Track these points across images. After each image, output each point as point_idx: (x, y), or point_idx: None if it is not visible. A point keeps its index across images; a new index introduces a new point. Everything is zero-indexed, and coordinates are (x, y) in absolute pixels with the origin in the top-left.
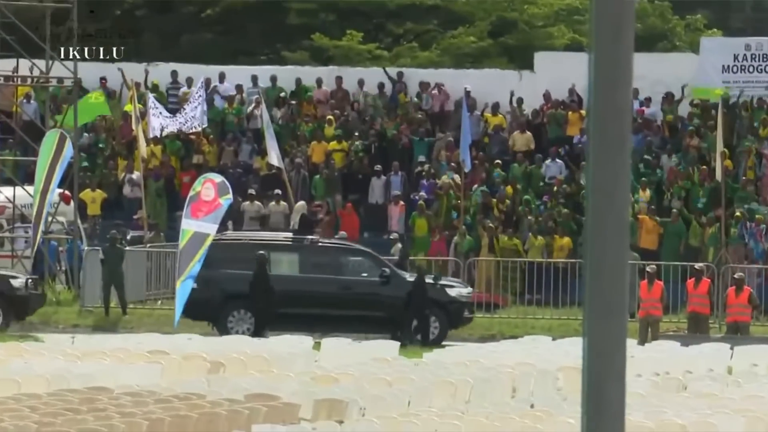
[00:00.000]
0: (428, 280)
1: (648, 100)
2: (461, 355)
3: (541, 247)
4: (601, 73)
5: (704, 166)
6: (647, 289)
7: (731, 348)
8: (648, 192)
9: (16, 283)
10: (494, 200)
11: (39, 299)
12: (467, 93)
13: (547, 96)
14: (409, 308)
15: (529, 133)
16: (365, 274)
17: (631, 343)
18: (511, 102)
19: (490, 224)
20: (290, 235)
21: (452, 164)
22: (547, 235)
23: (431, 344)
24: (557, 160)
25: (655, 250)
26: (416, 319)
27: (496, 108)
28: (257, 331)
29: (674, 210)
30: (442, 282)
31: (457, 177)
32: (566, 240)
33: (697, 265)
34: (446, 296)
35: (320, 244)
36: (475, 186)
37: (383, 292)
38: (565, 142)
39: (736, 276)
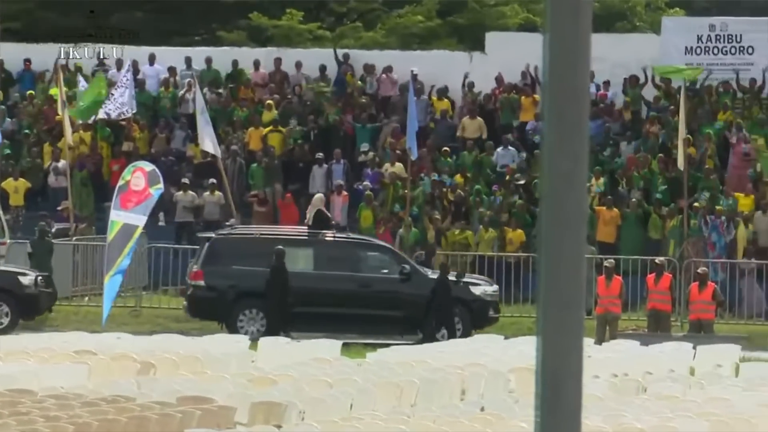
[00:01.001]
0: (451, 277)
1: (607, 84)
2: (407, 355)
3: (492, 240)
4: (557, 55)
5: (664, 154)
6: (605, 284)
7: (694, 347)
8: (602, 181)
9: (26, 280)
10: (443, 190)
11: (50, 297)
12: (414, 76)
13: (499, 79)
14: (433, 308)
15: (480, 118)
16: (385, 271)
17: (588, 342)
18: (462, 86)
19: (437, 216)
20: (304, 229)
21: (397, 152)
22: (498, 227)
23: None
24: (510, 147)
25: (613, 244)
26: (440, 318)
27: (444, 92)
28: (270, 332)
29: (633, 200)
30: (466, 279)
31: (399, 165)
32: (519, 232)
33: (658, 260)
34: (470, 294)
35: (336, 239)
36: (422, 175)
37: (404, 291)
38: (518, 129)
39: (699, 271)
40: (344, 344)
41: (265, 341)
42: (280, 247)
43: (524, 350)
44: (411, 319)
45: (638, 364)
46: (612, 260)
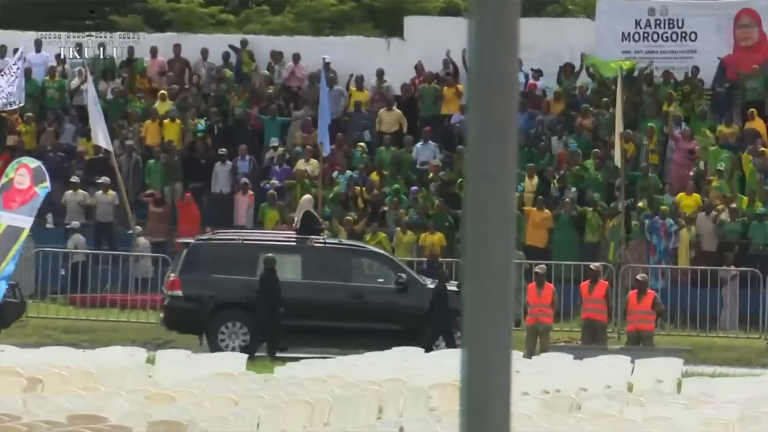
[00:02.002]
0: (452, 287)
1: (537, 73)
2: (319, 370)
3: (411, 244)
4: (482, 41)
5: (600, 150)
6: (535, 292)
7: (632, 361)
8: (535, 180)
9: None
10: (357, 189)
11: (17, 308)
12: (326, 64)
13: (419, 68)
14: (431, 319)
15: (397, 110)
16: (380, 281)
17: (517, 356)
18: (378, 75)
19: (350, 217)
20: (291, 234)
21: (308, 147)
22: (417, 229)
23: None
24: (430, 142)
25: (544, 248)
26: (438, 331)
27: (359, 82)
28: (253, 347)
29: (566, 200)
30: None
31: (313, 162)
32: (439, 236)
33: (593, 265)
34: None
35: (327, 245)
36: (335, 173)
37: (400, 302)
38: (439, 122)
39: (638, 277)
40: (250, 358)
41: (163, 354)
42: (270, 255)
43: (447, 364)
44: (408, 332)
45: (572, 379)
46: (543, 266)
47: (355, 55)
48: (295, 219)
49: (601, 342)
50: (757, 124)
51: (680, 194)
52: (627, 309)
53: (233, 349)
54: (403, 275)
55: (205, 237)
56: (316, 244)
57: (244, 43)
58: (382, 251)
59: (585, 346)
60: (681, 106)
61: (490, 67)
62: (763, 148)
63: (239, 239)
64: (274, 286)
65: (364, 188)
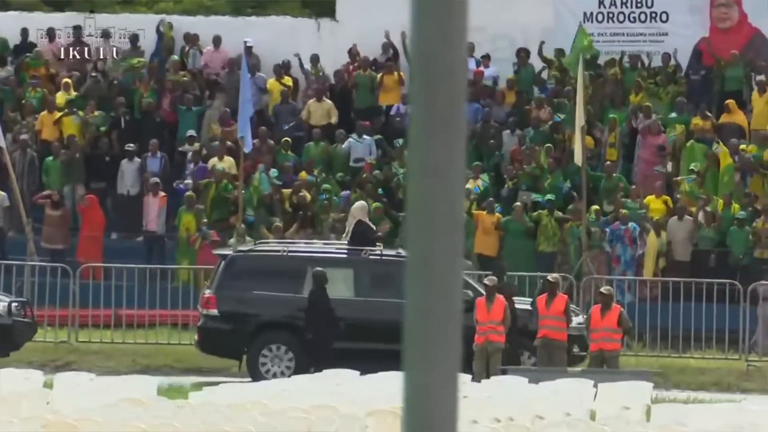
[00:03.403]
0: (521, 305)
1: (487, 59)
2: (239, 395)
3: None
4: (427, 22)
5: (558, 146)
6: (485, 307)
7: (595, 385)
8: (482, 180)
9: None
10: (284, 190)
11: (28, 329)
12: (248, 49)
13: (353, 53)
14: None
15: (329, 101)
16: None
17: (465, 379)
18: (313, 61)
19: (278, 222)
20: (342, 245)
21: (227, 143)
22: None
23: None
24: (366, 137)
25: (495, 257)
26: (507, 352)
27: (286, 68)
28: (300, 372)
29: (518, 204)
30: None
31: (230, 159)
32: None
33: (551, 277)
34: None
35: (383, 257)
36: (258, 171)
37: (466, 321)
38: (377, 114)
39: (602, 290)
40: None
41: (62, 377)
42: (320, 269)
43: (386, 388)
44: (471, 356)
45: (527, 405)
46: (493, 277)
47: (281, 38)
48: (347, 229)
49: (560, 363)
50: (737, 116)
51: (649, 196)
52: (589, 326)
53: (275, 376)
54: (470, 292)
55: (245, 248)
56: (370, 257)
57: (166, 24)
58: None
59: (542, 368)
60: (650, 95)
61: (436, 51)
62: (743, 145)
63: (283, 251)
64: (325, 305)
65: (290, 189)
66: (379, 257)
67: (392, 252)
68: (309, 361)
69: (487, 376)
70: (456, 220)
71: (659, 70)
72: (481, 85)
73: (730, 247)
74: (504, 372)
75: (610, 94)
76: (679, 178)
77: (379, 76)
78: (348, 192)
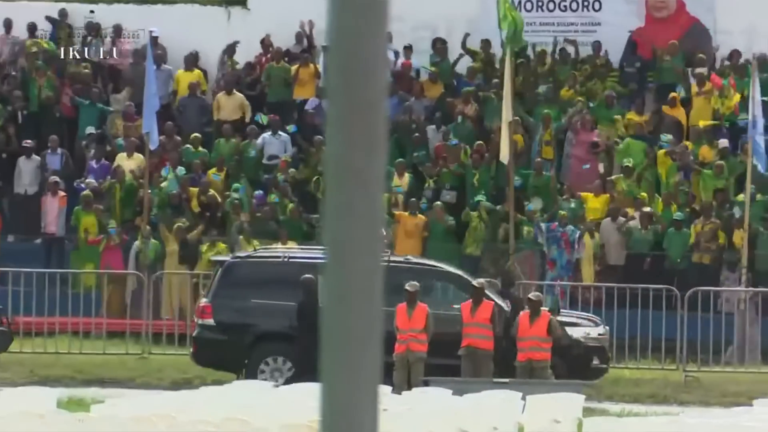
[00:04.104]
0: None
1: (408, 50)
2: (145, 407)
3: None
4: (344, 11)
5: (485, 143)
6: (406, 314)
7: (523, 397)
8: (406, 178)
9: None
10: (192, 189)
11: (4, 338)
12: (154, 39)
13: (266, 43)
14: (505, 353)
15: (239, 94)
16: (456, 306)
17: (385, 390)
18: (229, 53)
19: (182, 224)
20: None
21: (132, 139)
22: (265, 238)
23: None
24: (281, 133)
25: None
26: (506, 366)
27: (194, 60)
28: (295, 381)
29: (439, 203)
30: (562, 317)
31: (137, 156)
32: (291, 245)
33: (476, 282)
34: (566, 338)
35: (390, 263)
36: (165, 170)
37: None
38: (292, 108)
39: (531, 296)
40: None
41: None
42: (309, 275)
43: (300, 400)
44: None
45: (450, 418)
46: (416, 282)
47: (189, 27)
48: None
49: (486, 374)
50: (676, 111)
51: (587, 194)
52: (517, 334)
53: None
54: (504, 305)
55: (243, 254)
56: None
57: (62, 13)
58: (457, 271)
59: (466, 378)
60: (582, 89)
61: (354, 42)
62: (686, 142)
63: (284, 256)
64: (314, 314)
65: (198, 188)
66: (386, 263)
67: (400, 258)
68: (300, 373)
69: (409, 388)
70: (376, 222)
71: (591, 61)
72: (402, 78)
73: (667, 250)
74: (426, 383)
75: (539, 88)
76: (614, 177)
77: (293, 68)
78: (261, 192)
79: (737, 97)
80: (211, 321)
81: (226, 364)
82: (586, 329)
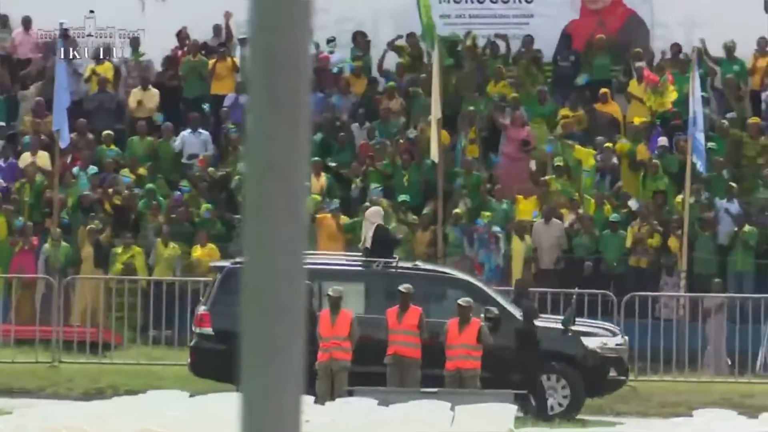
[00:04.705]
0: (545, 323)
1: (331, 43)
2: (55, 418)
3: (174, 260)
4: (266, 2)
5: (411, 141)
6: (329, 321)
7: (452, 408)
8: (324, 179)
9: None
10: (104, 190)
11: None
12: (64, 31)
13: (182, 36)
14: (516, 365)
15: (155, 90)
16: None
17: (308, 401)
18: (134, 45)
19: (95, 225)
20: (354, 255)
21: (42, 137)
22: (182, 241)
23: (552, 418)
24: (200, 131)
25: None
26: (523, 380)
27: (107, 53)
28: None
29: (367, 205)
30: (578, 327)
31: (44, 155)
32: (209, 248)
33: (403, 287)
34: (580, 348)
35: (399, 270)
36: (76, 169)
37: (490, 342)
38: (210, 105)
39: (460, 302)
40: None
41: None
42: (306, 282)
43: (217, 411)
44: (497, 380)
45: (375, 429)
46: (339, 288)
47: (101, 18)
48: (363, 236)
49: (413, 383)
50: (611, 107)
51: (517, 196)
52: (446, 342)
53: None
54: (494, 309)
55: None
56: (385, 270)
57: None
58: (469, 278)
59: (392, 388)
60: (512, 85)
61: (276, 35)
62: (623, 140)
63: None
64: (309, 322)
65: (111, 189)
66: (393, 270)
67: (408, 264)
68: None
69: (332, 398)
70: (299, 225)
71: (522, 56)
72: (324, 73)
73: (603, 253)
74: (350, 393)
75: (469, 84)
76: (547, 177)
77: (210, 62)
78: (180, 193)
79: (674, 95)
80: (209, 330)
81: (225, 375)
82: (602, 339)
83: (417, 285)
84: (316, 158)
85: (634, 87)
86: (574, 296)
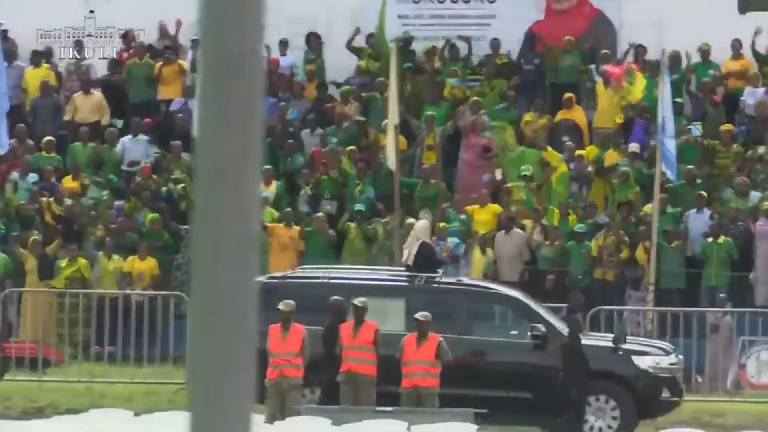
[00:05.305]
0: (593, 341)
1: (284, 46)
2: None
3: (118, 273)
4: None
5: (366, 148)
6: (280, 336)
7: (408, 428)
8: (274, 186)
9: None
10: (45, 199)
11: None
12: (3, 33)
13: (128, 38)
14: (560, 383)
15: (98, 93)
16: (515, 332)
17: (258, 420)
18: (77, 47)
19: (36, 236)
20: (397, 271)
21: None
22: (126, 253)
23: None
24: (142, 136)
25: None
26: (565, 399)
27: (47, 55)
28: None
29: (320, 215)
30: (630, 345)
31: None
32: (152, 262)
33: (358, 301)
34: (631, 367)
35: (442, 285)
36: (15, 175)
37: (535, 361)
38: (156, 109)
39: (418, 317)
40: None
41: None
42: (338, 297)
43: (163, 431)
44: (545, 402)
45: None
46: (291, 301)
47: (42, 20)
48: (405, 252)
49: (368, 401)
50: (575, 113)
51: (473, 206)
52: (401, 358)
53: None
54: (541, 326)
55: (280, 274)
56: (429, 285)
57: None
58: (515, 294)
59: (345, 406)
60: (475, 89)
61: (226, 36)
62: (590, 146)
63: (325, 277)
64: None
65: (52, 198)
66: (436, 285)
67: (452, 280)
68: (327, 402)
69: (282, 417)
70: (250, 235)
71: (485, 59)
72: (277, 77)
73: (568, 266)
74: (302, 412)
75: (428, 88)
76: (510, 184)
77: (157, 65)
78: (121, 201)
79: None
80: None
81: (257, 396)
82: (655, 358)
83: (458, 301)
84: (269, 165)
85: (600, 91)
86: (624, 313)
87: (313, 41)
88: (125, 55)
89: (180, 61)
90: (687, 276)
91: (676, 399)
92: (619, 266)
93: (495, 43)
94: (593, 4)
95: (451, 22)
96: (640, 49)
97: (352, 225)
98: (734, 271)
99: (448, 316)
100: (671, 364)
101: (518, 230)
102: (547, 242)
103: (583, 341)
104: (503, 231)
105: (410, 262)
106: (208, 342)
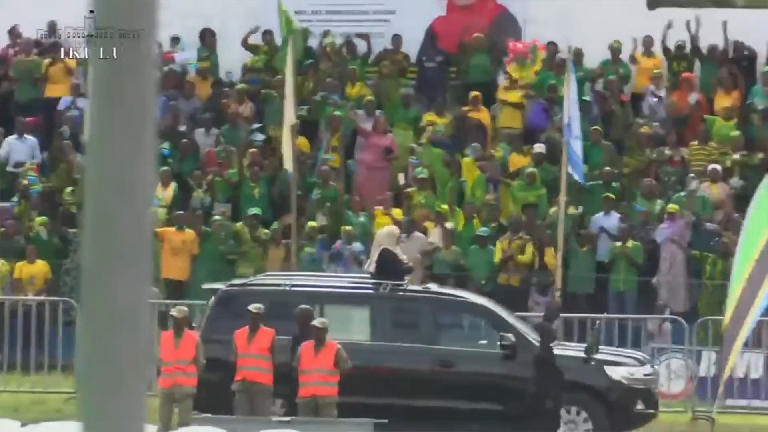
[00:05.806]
0: (564, 351)
1: (176, 42)
2: None
3: (4, 277)
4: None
5: (263, 148)
6: (173, 344)
7: None
8: (172, 189)
9: None
10: None
11: None
12: None
13: (14, 33)
14: (531, 395)
15: None
16: (483, 342)
17: (150, 430)
18: None
19: None
20: (361, 277)
21: None
22: (14, 257)
23: None
24: (28, 136)
25: (185, 282)
26: (537, 411)
27: None
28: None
29: (217, 218)
30: (602, 355)
31: None
32: (40, 265)
33: (253, 307)
34: (604, 379)
35: (408, 293)
36: None
37: (504, 371)
38: (42, 109)
39: (315, 323)
40: None
41: None
42: (305, 306)
43: None
44: (514, 413)
45: None
46: (184, 308)
47: None
48: (368, 259)
49: (264, 412)
50: (481, 113)
51: (376, 211)
52: (298, 366)
53: None
54: (511, 335)
55: (240, 282)
56: (394, 293)
57: None
58: (484, 302)
59: (240, 417)
60: (373, 87)
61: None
62: (497, 149)
63: (286, 285)
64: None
65: None
66: (402, 293)
67: (418, 287)
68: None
69: (175, 427)
70: (143, 239)
71: (384, 56)
72: (168, 75)
73: (471, 270)
74: (194, 421)
75: (327, 85)
76: (410, 189)
77: (44, 63)
78: (8, 204)
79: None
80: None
81: (220, 408)
82: (629, 369)
83: (425, 309)
84: (166, 167)
85: (502, 92)
86: (597, 321)
87: (208, 37)
88: (11, 51)
89: (67, 59)
90: (596, 281)
91: (652, 411)
92: (524, 271)
93: (396, 39)
94: (497, 1)
95: (348, 18)
96: (551, 47)
97: (246, 230)
98: (641, 276)
99: (414, 324)
100: (646, 375)
101: (419, 234)
102: (443, 246)
103: (555, 351)
104: (405, 235)
105: (372, 270)
106: (99, 351)
